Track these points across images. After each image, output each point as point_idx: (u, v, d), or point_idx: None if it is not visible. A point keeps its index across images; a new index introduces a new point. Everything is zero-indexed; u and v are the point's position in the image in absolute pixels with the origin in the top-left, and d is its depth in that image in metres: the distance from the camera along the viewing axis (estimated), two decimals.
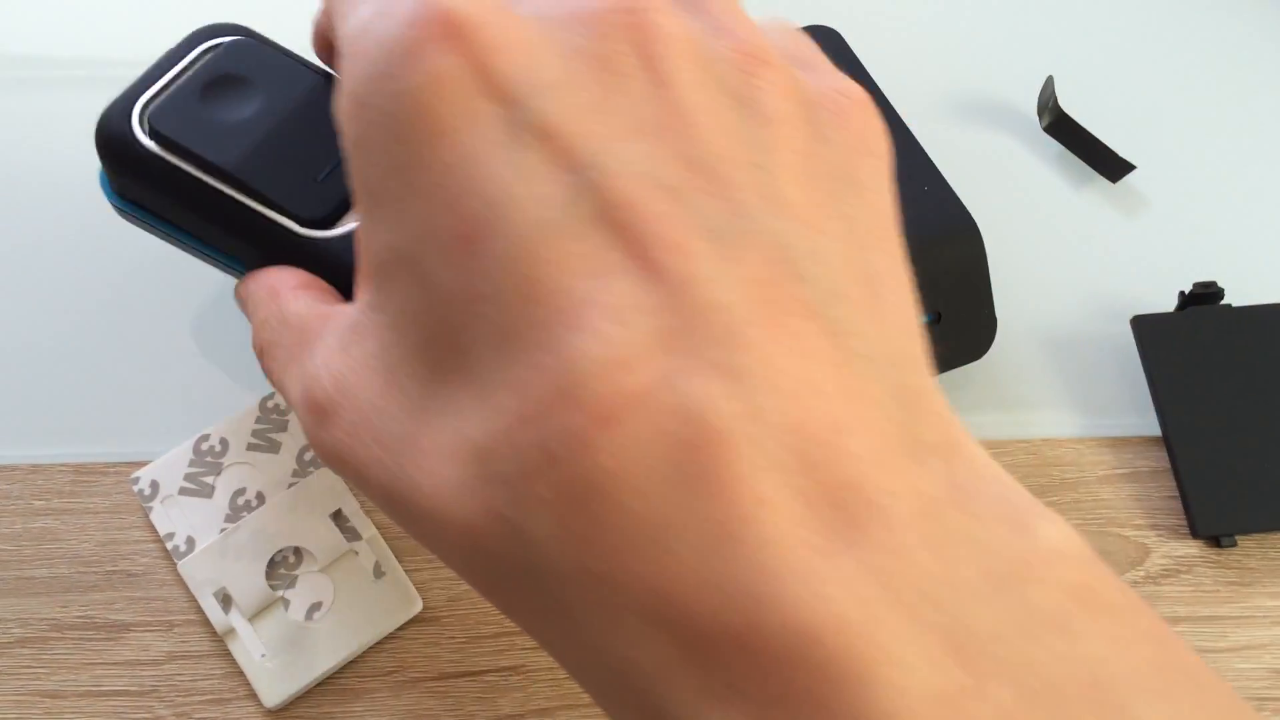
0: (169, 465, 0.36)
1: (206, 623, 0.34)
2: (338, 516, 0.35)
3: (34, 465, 0.37)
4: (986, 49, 0.47)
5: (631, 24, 0.19)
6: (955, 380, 0.39)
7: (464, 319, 0.18)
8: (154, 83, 0.31)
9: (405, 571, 0.35)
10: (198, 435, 0.36)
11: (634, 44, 0.19)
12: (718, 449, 0.16)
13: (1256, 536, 0.36)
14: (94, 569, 0.35)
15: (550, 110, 0.18)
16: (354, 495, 0.36)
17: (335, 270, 0.25)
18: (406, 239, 0.19)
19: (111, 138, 0.30)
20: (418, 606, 0.34)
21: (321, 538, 0.35)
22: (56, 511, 0.36)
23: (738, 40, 0.20)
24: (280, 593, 0.34)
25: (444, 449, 0.18)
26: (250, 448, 0.36)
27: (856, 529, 0.16)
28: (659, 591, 0.16)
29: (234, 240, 0.31)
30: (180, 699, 0.33)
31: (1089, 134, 0.43)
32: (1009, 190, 0.43)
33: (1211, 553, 0.36)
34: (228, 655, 0.34)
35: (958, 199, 0.36)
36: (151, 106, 0.30)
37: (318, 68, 0.30)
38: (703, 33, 0.20)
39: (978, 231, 0.36)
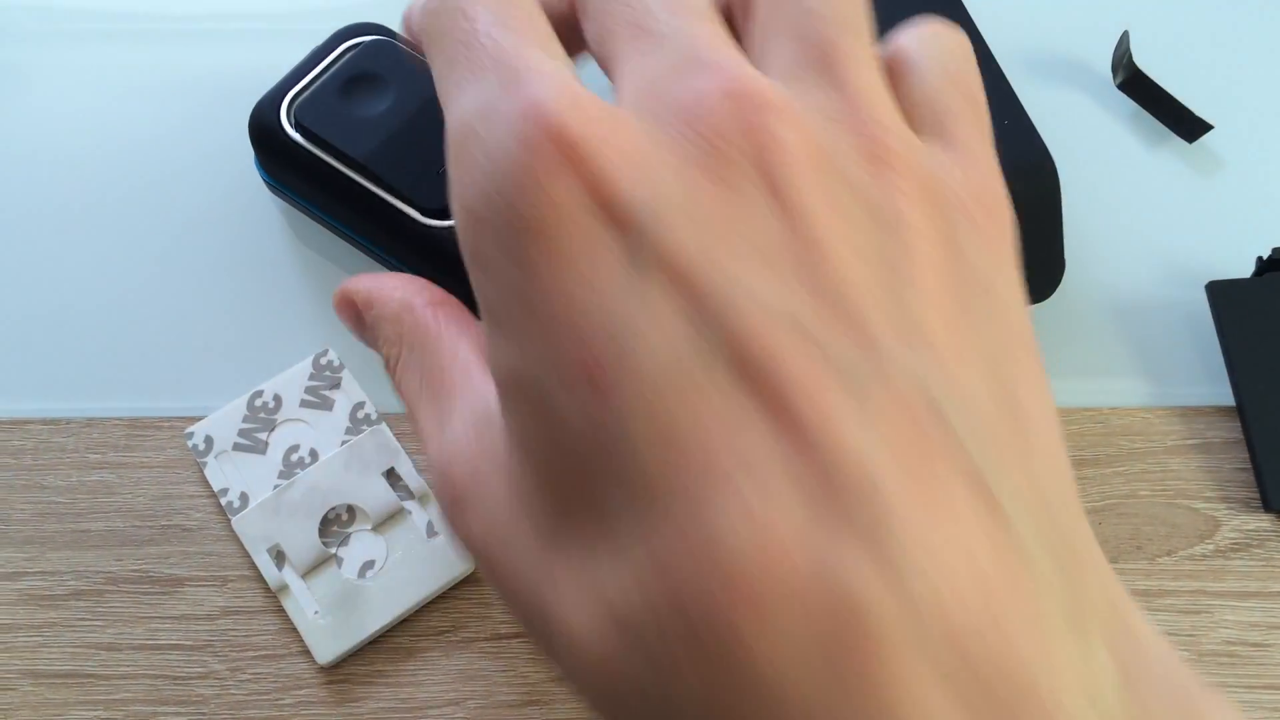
0: (223, 420, 0.36)
1: (260, 579, 0.34)
2: (390, 475, 0.35)
3: (89, 419, 0.37)
4: (1060, 2, 0.45)
5: (747, 130, 0.18)
6: None
7: (594, 464, 0.17)
8: (301, 78, 0.36)
9: None
10: (251, 391, 0.36)
11: (752, 157, 0.17)
12: (871, 645, 0.15)
13: None
14: (149, 523, 0.35)
15: (671, 238, 0.17)
16: (407, 454, 0.35)
17: (454, 259, 0.25)
18: (528, 365, 0.18)
19: (262, 128, 0.36)
20: (470, 566, 0.34)
21: (375, 496, 0.35)
22: (111, 465, 0.36)
23: (866, 134, 0.18)
24: (333, 550, 0.34)
25: (579, 589, 0.17)
26: (304, 404, 0.36)
27: None
28: None
29: (365, 223, 0.35)
30: (234, 654, 0.33)
31: (1165, 92, 0.42)
32: (1081, 149, 0.42)
33: None
34: (281, 612, 0.33)
35: (1037, 133, 0.35)
36: (298, 101, 0.35)
37: None
38: (824, 129, 0.18)
39: (1053, 165, 0.35)
